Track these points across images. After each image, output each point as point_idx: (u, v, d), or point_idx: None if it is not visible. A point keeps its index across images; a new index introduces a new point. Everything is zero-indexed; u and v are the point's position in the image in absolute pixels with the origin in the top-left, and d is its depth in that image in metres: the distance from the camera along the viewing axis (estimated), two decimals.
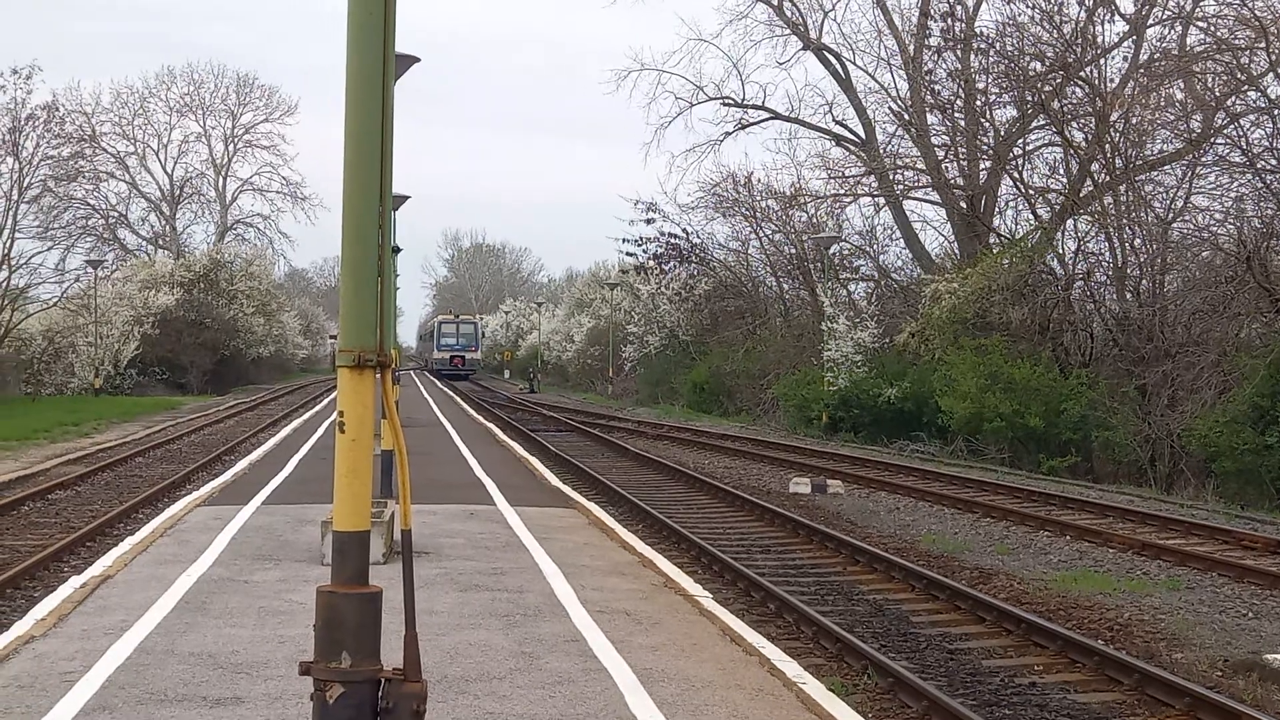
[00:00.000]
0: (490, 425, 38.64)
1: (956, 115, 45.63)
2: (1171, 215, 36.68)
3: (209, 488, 20.23)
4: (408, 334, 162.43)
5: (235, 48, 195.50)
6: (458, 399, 59.20)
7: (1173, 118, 37.71)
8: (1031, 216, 42.90)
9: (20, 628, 10.03)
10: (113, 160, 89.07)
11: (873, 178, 50.29)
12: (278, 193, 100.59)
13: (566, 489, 21.31)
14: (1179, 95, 37.82)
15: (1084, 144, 39.81)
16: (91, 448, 31.81)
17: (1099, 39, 41.31)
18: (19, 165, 50.80)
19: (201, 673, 8.65)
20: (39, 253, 57.69)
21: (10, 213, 50.91)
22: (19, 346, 55.36)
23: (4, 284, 51.27)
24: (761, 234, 59.52)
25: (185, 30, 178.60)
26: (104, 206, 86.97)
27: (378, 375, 4.87)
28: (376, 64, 4.84)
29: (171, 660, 8.97)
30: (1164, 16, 40.78)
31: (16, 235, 51.95)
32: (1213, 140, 36.23)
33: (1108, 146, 37.84)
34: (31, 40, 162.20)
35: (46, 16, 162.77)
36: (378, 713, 4.64)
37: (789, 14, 52.70)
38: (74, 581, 12.00)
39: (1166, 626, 13.06)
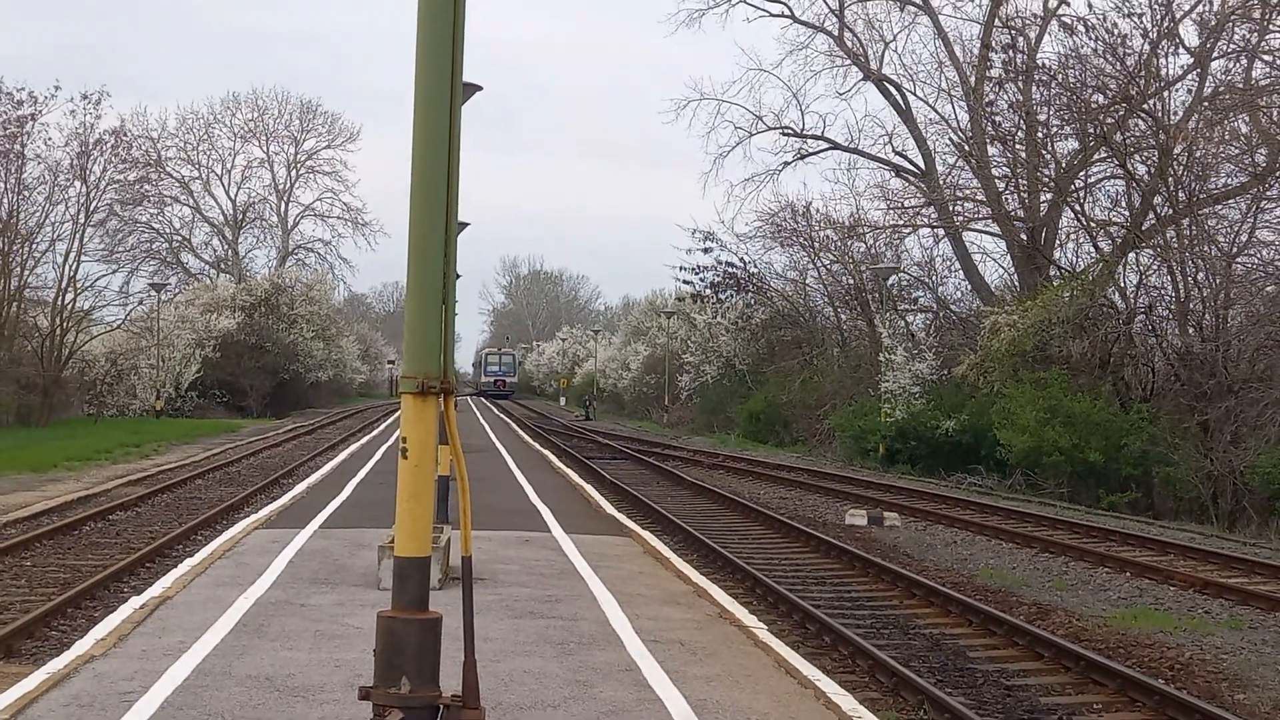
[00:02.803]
0: (546, 452, 38.68)
1: (1017, 147, 45.38)
2: (1235, 249, 36.32)
3: (267, 510, 20.36)
4: (464, 361, 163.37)
5: (299, 69, 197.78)
6: (513, 425, 59.31)
7: (1237, 151, 37.38)
8: (1093, 249, 42.58)
9: (81, 647, 10.13)
10: (177, 185, 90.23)
11: (932, 209, 50.11)
12: (339, 218, 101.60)
13: (621, 517, 21.29)
14: (1244, 129, 37.50)
15: (1146, 177, 39.50)
16: (152, 469, 32.13)
17: (1163, 72, 41.03)
18: (86, 189, 51.46)
19: (258, 695, 8.69)
20: (104, 275, 58.33)
21: (77, 236, 51.62)
22: (83, 368, 56.12)
23: (69, 306, 52.02)
24: (819, 264, 59.43)
25: (247, 47, 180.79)
26: (168, 230, 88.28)
27: (440, 401, 4.89)
28: (444, 95, 4.88)
29: (229, 682, 9.02)
30: (1229, 50, 40.48)
31: (82, 258, 52.63)
32: (1278, 174, 35.84)
33: (1170, 180, 37.51)
34: (100, 62, 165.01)
35: (114, 39, 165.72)
36: None
37: (849, 44, 52.82)
38: (134, 602, 12.10)
39: (1229, 667, 12.85)
